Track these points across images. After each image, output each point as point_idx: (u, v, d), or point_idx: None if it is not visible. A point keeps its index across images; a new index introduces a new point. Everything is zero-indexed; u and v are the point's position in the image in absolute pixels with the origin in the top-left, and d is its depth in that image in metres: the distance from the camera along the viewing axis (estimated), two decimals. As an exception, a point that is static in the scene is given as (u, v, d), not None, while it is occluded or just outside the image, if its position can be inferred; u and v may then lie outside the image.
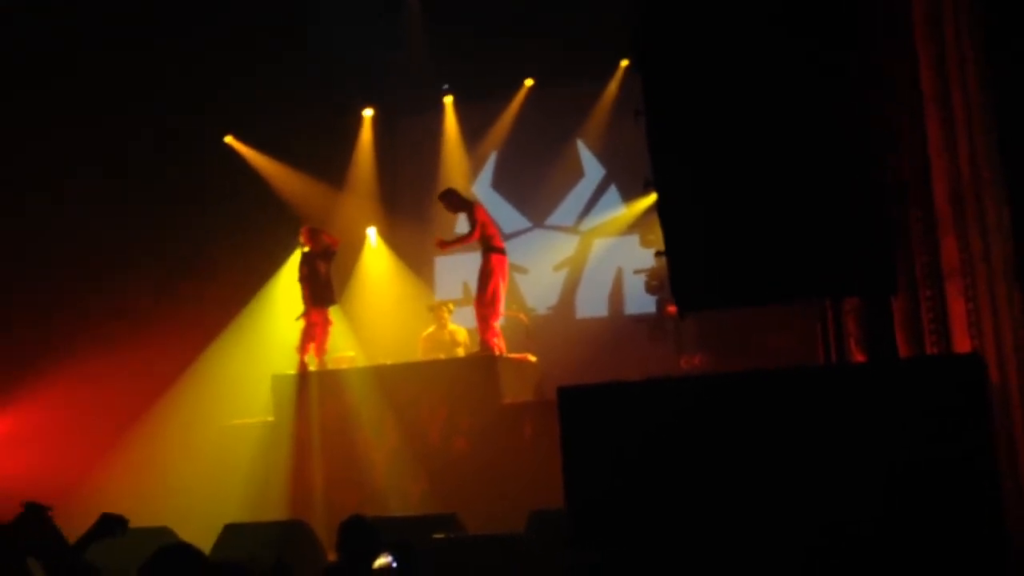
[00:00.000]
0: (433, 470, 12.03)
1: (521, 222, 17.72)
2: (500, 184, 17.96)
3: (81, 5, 13.42)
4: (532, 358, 13.15)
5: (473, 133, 17.85)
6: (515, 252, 16.01)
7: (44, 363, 13.26)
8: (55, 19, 13.31)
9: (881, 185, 5.29)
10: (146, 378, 13.98)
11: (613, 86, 16.64)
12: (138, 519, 6.36)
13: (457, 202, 13.02)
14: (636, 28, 5.43)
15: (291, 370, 13.34)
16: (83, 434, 13.47)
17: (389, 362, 13.70)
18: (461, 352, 13.53)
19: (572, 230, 17.60)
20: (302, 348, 13.40)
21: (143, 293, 14.03)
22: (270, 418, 13.19)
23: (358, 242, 17.41)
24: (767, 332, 12.85)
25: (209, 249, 14.93)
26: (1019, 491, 4.59)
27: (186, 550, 4.67)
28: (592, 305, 17.19)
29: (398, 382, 12.71)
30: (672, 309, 11.33)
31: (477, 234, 12.57)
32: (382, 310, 16.79)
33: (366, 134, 17.88)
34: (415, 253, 17.56)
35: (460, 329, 14.08)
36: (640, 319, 15.31)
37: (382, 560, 5.83)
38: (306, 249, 13.75)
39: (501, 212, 16.62)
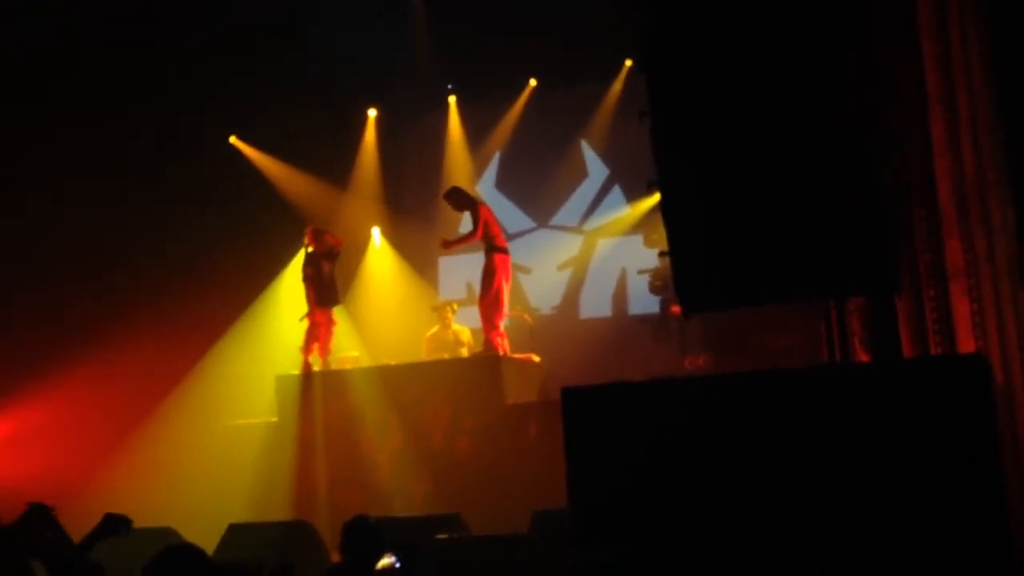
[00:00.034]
0: (437, 470, 12.03)
1: (525, 222, 17.72)
2: (504, 184, 17.96)
3: (82, 6, 13.40)
4: (536, 358, 13.14)
5: (477, 133, 17.85)
6: (519, 252, 16.02)
7: (48, 364, 13.24)
8: (56, 19, 13.30)
9: (885, 185, 5.28)
10: (150, 378, 13.98)
11: (617, 86, 16.63)
12: (142, 519, 6.38)
13: (462, 201, 13.02)
14: (641, 29, 5.44)
15: (295, 370, 13.34)
16: (87, 434, 13.47)
17: (393, 362, 13.69)
18: (465, 352, 13.52)
19: (576, 230, 17.59)
20: (306, 348, 13.39)
21: (147, 294, 14.02)
22: (274, 418, 13.19)
23: (362, 242, 17.42)
24: (770, 332, 12.84)
25: (213, 249, 14.92)
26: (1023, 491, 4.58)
27: (189, 550, 4.67)
28: (596, 305, 17.18)
29: (402, 382, 12.70)
30: (676, 309, 11.36)
31: (480, 233, 12.55)
32: (386, 310, 16.79)
33: (370, 134, 17.89)
34: (419, 253, 17.56)
35: (464, 329, 14.08)
36: (644, 319, 15.29)
37: (385, 560, 5.83)
38: (310, 249, 13.74)
39: (505, 212, 16.62)
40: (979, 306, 4.90)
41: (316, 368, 13.31)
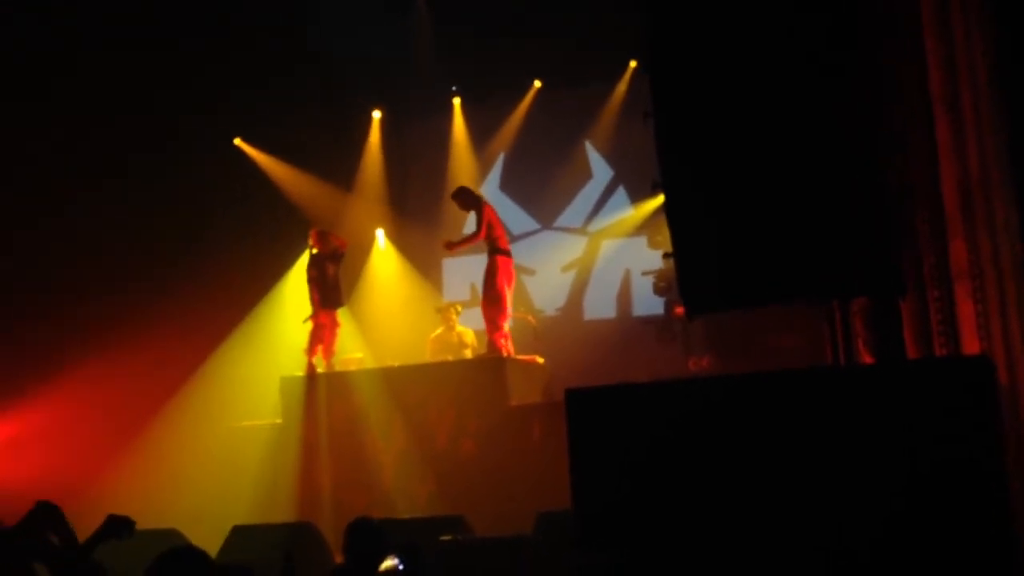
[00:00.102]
0: (441, 472, 12.02)
1: (529, 223, 17.72)
2: (508, 186, 17.96)
3: (82, 6, 13.42)
4: (540, 360, 13.14)
5: (481, 135, 17.85)
6: (523, 253, 16.02)
7: (51, 365, 13.25)
8: (56, 19, 13.31)
9: (889, 186, 5.27)
10: (154, 380, 13.97)
11: (621, 87, 16.63)
12: (146, 521, 6.39)
13: (469, 200, 13.00)
14: (644, 30, 5.43)
15: (299, 372, 13.34)
16: (90, 436, 13.47)
17: (397, 364, 13.69)
18: (469, 354, 13.52)
19: (580, 231, 17.59)
20: (310, 350, 13.39)
21: (151, 295, 14.00)
22: (278, 420, 13.19)
23: (366, 244, 17.44)
24: (774, 333, 12.83)
25: (217, 251, 14.92)
26: (1028, 493, 4.58)
27: (192, 552, 4.67)
28: (600, 307, 17.18)
29: (406, 384, 12.69)
30: (680, 311, 11.34)
31: (483, 233, 12.54)
32: (390, 312, 16.80)
33: (375, 136, 17.90)
34: (423, 255, 17.56)
35: (468, 331, 14.08)
36: (648, 321, 15.27)
37: (389, 562, 5.82)
38: (315, 251, 13.74)
39: (509, 213, 16.63)
40: (983, 307, 4.89)
41: (320, 370, 13.31)
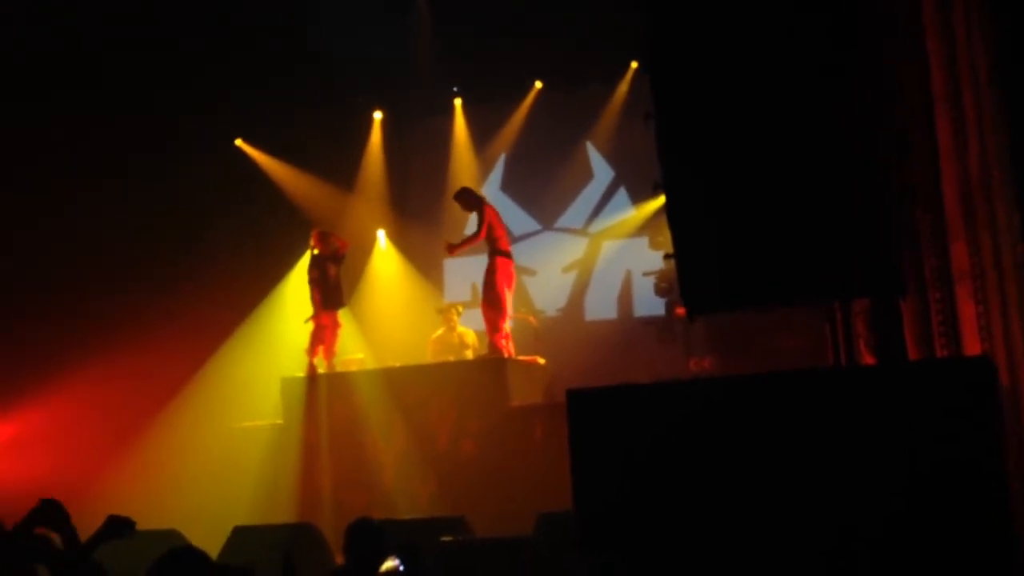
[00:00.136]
0: (442, 472, 12.02)
1: (530, 224, 17.73)
2: (509, 186, 17.96)
3: (82, 6, 13.42)
4: (541, 360, 13.14)
5: (482, 135, 17.85)
6: (524, 254, 16.03)
7: (52, 365, 13.26)
8: (56, 19, 13.32)
9: (890, 187, 5.27)
10: (155, 380, 13.98)
11: (623, 88, 16.63)
12: (147, 521, 6.37)
13: (471, 201, 12.99)
14: (645, 30, 5.43)
15: (300, 372, 13.34)
16: (92, 436, 13.48)
17: (398, 364, 13.68)
18: (470, 354, 13.52)
19: (581, 232, 17.60)
20: (311, 350, 13.39)
21: (152, 296, 14.02)
22: (279, 420, 13.20)
23: (368, 245, 17.45)
24: (776, 334, 12.83)
25: (218, 252, 14.93)
26: (1030, 494, 4.58)
27: (192, 553, 4.67)
28: (601, 307, 17.18)
29: (407, 384, 12.69)
30: (681, 311, 11.34)
31: (483, 234, 12.54)
32: (391, 312, 16.81)
33: (376, 137, 17.91)
34: (424, 256, 17.56)
35: (469, 331, 14.08)
36: (649, 321, 15.27)
37: (389, 563, 5.82)
38: (316, 252, 13.75)
39: (510, 214, 16.62)
40: (985, 309, 4.89)
41: (321, 370, 13.31)
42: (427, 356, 13.84)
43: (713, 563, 4.57)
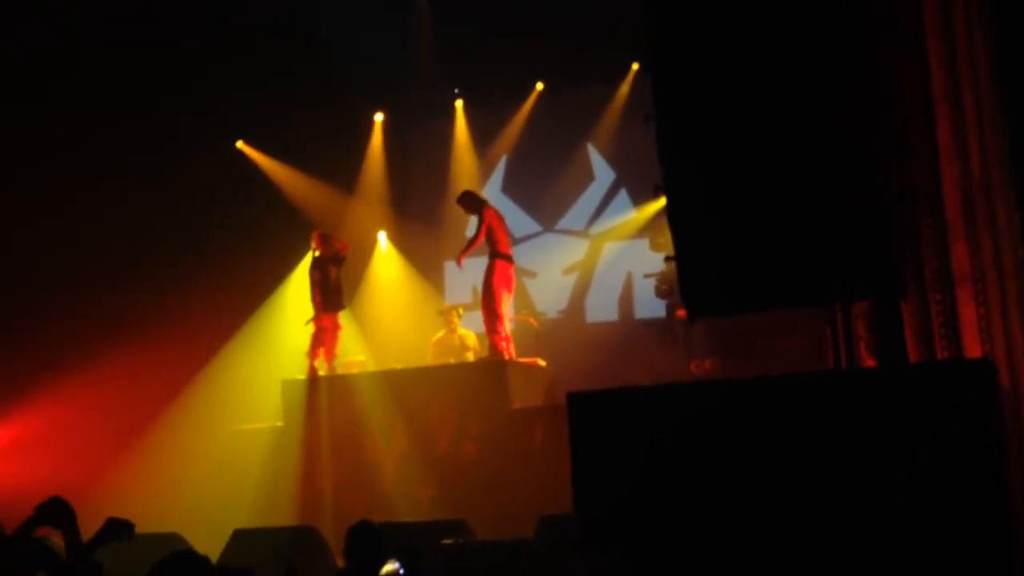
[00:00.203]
0: (442, 475, 12.01)
1: (531, 226, 17.71)
2: (510, 188, 17.95)
3: (82, 6, 13.43)
4: (542, 362, 13.13)
5: (483, 137, 17.85)
6: (525, 256, 16.02)
7: (52, 367, 13.26)
8: (56, 19, 13.33)
9: (890, 187, 5.26)
10: (155, 382, 13.98)
11: (624, 89, 16.62)
12: (147, 524, 6.36)
13: (472, 204, 13.00)
14: (645, 32, 5.42)
15: (301, 375, 13.34)
16: (92, 438, 13.46)
17: (399, 367, 13.66)
18: (471, 356, 13.50)
19: (582, 234, 17.58)
20: (312, 353, 13.39)
21: (152, 297, 14.02)
22: (280, 423, 13.19)
23: (368, 246, 17.43)
24: (777, 336, 12.82)
25: (219, 254, 14.93)
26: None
27: (192, 557, 4.66)
28: (602, 309, 17.17)
29: (408, 387, 12.69)
30: (682, 313, 11.34)
31: (481, 237, 12.54)
32: (392, 314, 16.79)
33: (376, 139, 17.90)
34: (425, 257, 17.57)
35: (470, 333, 14.06)
36: (650, 323, 15.29)
37: (389, 566, 5.81)
38: (317, 254, 13.75)
39: (511, 216, 16.57)
40: (986, 310, 4.88)
41: (322, 372, 13.31)
42: (428, 358, 13.82)
43: (714, 565, 4.56)
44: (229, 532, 9.81)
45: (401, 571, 5.77)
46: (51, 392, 13.28)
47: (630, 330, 16.39)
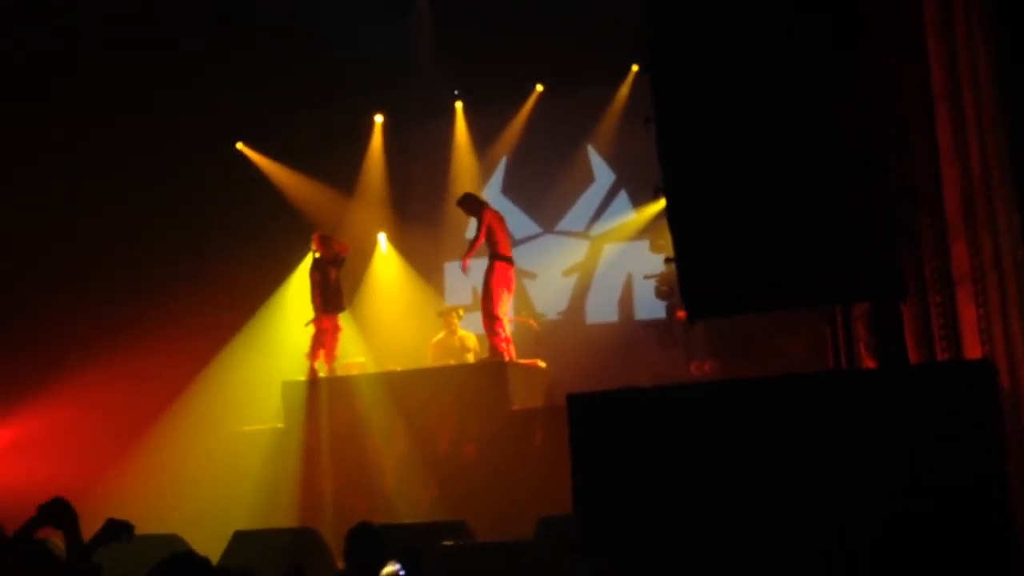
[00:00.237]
0: (443, 476, 12.00)
1: (531, 227, 17.70)
2: (510, 189, 17.95)
3: (82, 6, 13.43)
4: (542, 364, 13.12)
5: (483, 138, 17.85)
6: (525, 257, 16.01)
7: (52, 367, 13.26)
8: (56, 19, 13.33)
9: (890, 187, 5.26)
10: (156, 384, 13.98)
11: (624, 91, 16.62)
12: (147, 526, 6.36)
13: (472, 206, 13.00)
14: (645, 33, 5.42)
15: (301, 376, 13.34)
16: (93, 440, 13.47)
17: (399, 368, 13.65)
18: (471, 358, 13.50)
19: (582, 235, 17.57)
20: (312, 354, 13.39)
21: (152, 298, 14.02)
22: (280, 424, 13.18)
23: (368, 248, 17.44)
24: (777, 337, 12.82)
25: (219, 255, 14.94)
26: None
27: (193, 558, 4.65)
28: (602, 311, 17.16)
29: (408, 388, 12.68)
30: (682, 314, 11.33)
31: (481, 239, 12.54)
32: (392, 316, 16.79)
33: (376, 140, 17.91)
34: (425, 259, 17.57)
35: (470, 335, 14.05)
36: (650, 325, 15.28)
37: (390, 568, 5.80)
38: (317, 255, 13.76)
39: (511, 217, 16.53)
40: (986, 311, 4.88)
41: (322, 374, 13.31)
42: (428, 360, 13.82)
43: (714, 566, 4.56)
44: (229, 533, 9.80)
45: (401, 572, 5.77)
46: (51, 392, 13.28)
47: (630, 331, 16.38)
